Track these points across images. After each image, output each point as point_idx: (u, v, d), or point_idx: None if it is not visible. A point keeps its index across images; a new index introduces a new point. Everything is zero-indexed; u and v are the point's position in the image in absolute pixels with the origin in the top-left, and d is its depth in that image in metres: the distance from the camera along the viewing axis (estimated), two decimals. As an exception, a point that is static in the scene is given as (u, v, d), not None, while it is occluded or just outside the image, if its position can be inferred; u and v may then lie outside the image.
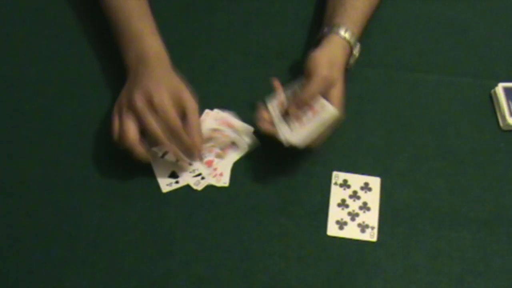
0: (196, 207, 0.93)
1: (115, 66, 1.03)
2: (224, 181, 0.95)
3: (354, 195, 0.94)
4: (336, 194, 0.94)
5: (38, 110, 1.00)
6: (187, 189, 0.94)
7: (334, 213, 0.93)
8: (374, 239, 0.91)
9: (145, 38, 0.98)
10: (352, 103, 1.01)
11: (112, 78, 1.03)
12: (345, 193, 0.94)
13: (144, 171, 0.95)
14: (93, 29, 1.07)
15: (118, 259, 0.89)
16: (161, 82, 0.93)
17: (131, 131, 0.91)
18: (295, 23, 1.08)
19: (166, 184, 0.94)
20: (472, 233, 0.92)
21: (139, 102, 0.91)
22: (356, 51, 1.01)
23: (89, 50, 1.06)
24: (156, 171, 0.95)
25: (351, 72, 1.03)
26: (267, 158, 0.97)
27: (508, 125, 0.99)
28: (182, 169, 0.95)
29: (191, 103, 0.93)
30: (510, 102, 1.01)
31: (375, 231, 0.92)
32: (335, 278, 0.89)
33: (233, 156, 0.97)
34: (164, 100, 0.91)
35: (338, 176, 0.96)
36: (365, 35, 1.06)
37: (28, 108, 1.01)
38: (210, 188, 0.94)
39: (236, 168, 0.96)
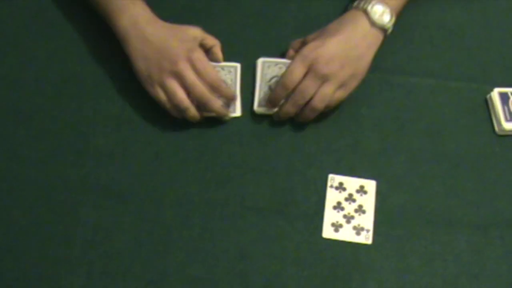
0: (192, 208, 0.93)
1: (115, 66, 1.03)
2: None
3: (350, 198, 0.95)
4: (332, 196, 0.95)
5: (35, 110, 1.00)
6: (184, 189, 0.94)
7: (330, 215, 0.93)
8: (369, 241, 0.92)
9: (136, 3, 1.00)
10: (348, 106, 1.02)
11: (111, 78, 1.03)
12: (340, 196, 0.95)
13: (142, 171, 0.95)
14: (92, 29, 1.07)
15: (115, 259, 0.89)
16: (182, 41, 0.97)
17: (180, 92, 0.95)
18: (294, 26, 1.09)
19: None
20: (466, 236, 0.92)
21: (183, 66, 0.94)
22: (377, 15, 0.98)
23: (90, 49, 1.06)
24: None
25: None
26: (264, 160, 0.97)
27: (504, 130, 1.00)
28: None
29: (213, 41, 1.01)
30: (505, 107, 1.01)
31: (370, 233, 0.92)
32: (330, 280, 0.89)
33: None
34: (202, 56, 0.96)
35: (334, 179, 0.96)
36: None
37: (25, 108, 1.01)
38: (206, 188, 0.95)
39: (232, 169, 0.96)
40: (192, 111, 0.96)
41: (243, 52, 1.05)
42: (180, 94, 0.95)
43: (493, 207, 0.95)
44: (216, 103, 0.97)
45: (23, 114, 1.00)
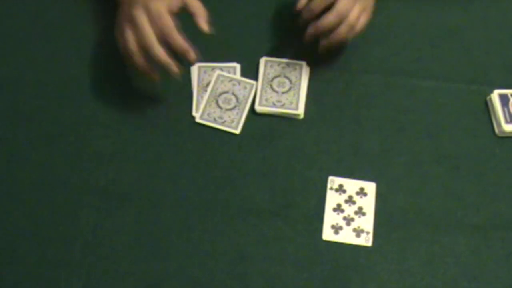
0: (192, 210, 0.93)
1: (115, 68, 1.03)
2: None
3: (350, 200, 0.95)
4: (332, 198, 0.95)
5: (35, 112, 1.00)
6: (184, 191, 0.95)
7: (330, 217, 0.93)
8: (369, 243, 0.92)
9: None
10: (348, 108, 1.02)
11: (111, 79, 1.03)
12: (340, 198, 0.95)
13: (141, 173, 0.96)
14: (92, 31, 1.08)
15: (114, 261, 0.89)
16: None
17: (131, 39, 0.94)
18: (295, 26, 1.08)
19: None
20: (466, 238, 0.92)
21: (136, 10, 0.94)
22: None
23: (89, 51, 1.06)
24: None
25: (348, 78, 1.04)
26: (263, 161, 0.97)
27: (503, 131, 1.00)
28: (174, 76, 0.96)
29: (194, 8, 0.97)
30: (505, 109, 1.01)
31: (370, 236, 0.92)
32: (330, 283, 0.89)
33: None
34: (160, 7, 0.94)
35: (334, 181, 0.96)
36: (362, 41, 1.07)
37: (25, 109, 1.01)
38: (206, 190, 0.95)
39: (232, 171, 0.96)
40: (138, 57, 0.95)
41: (243, 53, 1.05)
42: (130, 37, 0.94)
43: (493, 208, 0.95)
44: (160, 51, 0.94)
45: (23, 116, 1.00)
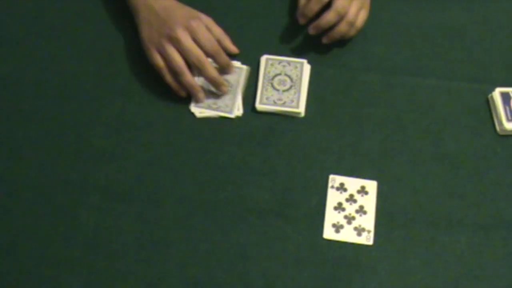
0: (193, 209, 0.93)
1: (115, 67, 1.03)
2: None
3: (351, 199, 0.94)
4: (333, 197, 0.95)
5: (36, 111, 1.00)
6: (184, 190, 0.94)
7: (331, 216, 0.93)
8: (370, 242, 0.92)
9: None
10: (349, 106, 1.02)
11: (111, 79, 1.03)
12: (341, 197, 0.95)
13: (142, 172, 0.95)
14: (92, 30, 1.08)
15: (114, 260, 0.89)
16: (185, 12, 1.00)
17: (177, 56, 0.97)
18: (296, 25, 1.08)
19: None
20: (468, 237, 0.92)
21: (180, 31, 0.97)
22: None
23: (89, 51, 1.06)
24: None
25: (349, 76, 1.04)
26: (264, 160, 0.97)
27: (505, 129, 0.99)
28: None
29: (219, 33, 1.03)
30: (507, 107, 1.01)
31: (371, 234, 0.92)
32: (331, 281, 0.89)
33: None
34: (201, 25, 0.99)
35: (335, 180, 0.96)
36: (362, 40, 1.06)
37: (25, 109, 1.01)
38: (206, 189, 0.95)
39: (232, 170, 0.96)
40: (189, 76, 0.99)
41: (244, 51, 1.05)
42: (177, 58, 0.98)
43: (494, 207, 0.94)
44: (212, 69, 0.99)
45: (23, 115, 1.00)
